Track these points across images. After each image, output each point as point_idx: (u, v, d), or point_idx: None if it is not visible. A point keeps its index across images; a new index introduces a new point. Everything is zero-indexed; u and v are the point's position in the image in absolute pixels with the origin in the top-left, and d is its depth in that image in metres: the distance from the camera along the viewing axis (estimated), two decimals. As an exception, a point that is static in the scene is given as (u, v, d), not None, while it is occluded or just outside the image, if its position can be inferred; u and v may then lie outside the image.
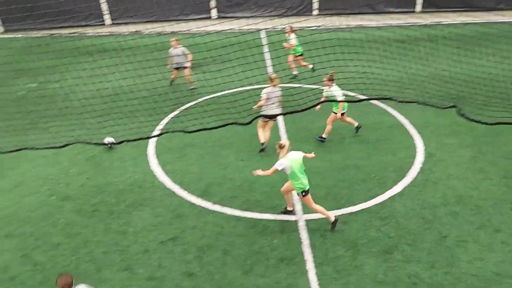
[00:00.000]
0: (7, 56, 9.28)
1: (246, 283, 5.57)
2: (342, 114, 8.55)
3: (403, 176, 7.55)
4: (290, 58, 11.83)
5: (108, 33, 16.23)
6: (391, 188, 7.25)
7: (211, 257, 5.98)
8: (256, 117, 5.78)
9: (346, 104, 8.44)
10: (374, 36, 11.09)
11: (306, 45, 10.26)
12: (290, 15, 13.03)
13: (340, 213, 6.67)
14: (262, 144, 8.35)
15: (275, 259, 5.91)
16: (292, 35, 11.54)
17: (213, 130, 9.14)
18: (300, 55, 11.83)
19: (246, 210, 6.85)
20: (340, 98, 8.20)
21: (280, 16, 16.52)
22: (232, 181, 7.57)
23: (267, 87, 8.23)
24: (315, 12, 18.85)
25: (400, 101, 5.46)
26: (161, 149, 8.63)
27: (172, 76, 11.32)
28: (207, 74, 9.98)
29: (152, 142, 8.84)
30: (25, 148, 5.82)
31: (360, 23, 9.69)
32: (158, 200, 7.15)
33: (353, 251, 5.99)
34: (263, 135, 8.38)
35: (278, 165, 6.08)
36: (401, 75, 9.68)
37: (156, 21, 17.44)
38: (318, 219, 6.58)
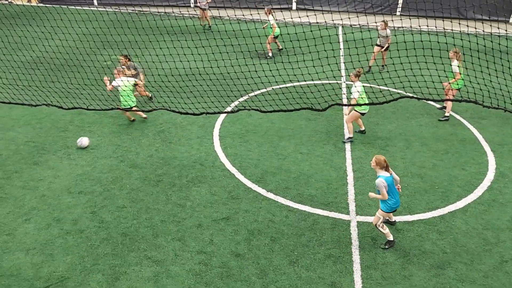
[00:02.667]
0: (98, 28, 10.08)
1: (290, 273, 5.68)
2: (363, 114, 8.44)
3: (469, 192, 7.16)
4: (270, 39, 12.76)
5: (190, 16, 16.93)
6: (454, 202, 6.92)
7: (260, 242, 6.16)
8: (332, 105, 5.77)
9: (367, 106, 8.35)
10: (459, 42, 10.46)
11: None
12: (372, 13, 12.64)
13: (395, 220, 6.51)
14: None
15: (322, 255, 5.95)
16: (271, 17, 12.47)
17: (275, 121, 9.34)
18: (276, 37, 12.72)
19: (299, 202, 6.92)
20: (355, 94, 8.04)
21: (362, 13, 16.06)
22: (288, 172, 7.66)
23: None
24: (398, 12, 18.07)
25: (485, 106, 5.16)
26: (224, 133, 8.95)
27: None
28: (279, 64, 10.08)
29: (217, 125, 9.19)
30: (118, 108, 6.40)
31: (447, 28, 9.27)
32: (216, 179, 7.46)
33: (403, 260, 5.84)
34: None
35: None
36: (481, 86, 9.06)
37: (238, 8, 17.84)
38: (372, 222, 6.48)
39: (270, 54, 13.07)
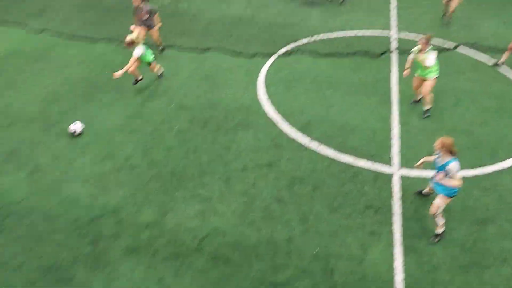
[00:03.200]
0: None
1: (331, 220, 5.86)
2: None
3: (519, 152, 6.88)
4: None
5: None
6: (503, 160, 6.72)
7: (301, 190, 6.33)
8: (385, 52, 5.53)
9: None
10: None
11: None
12: None
13: (440, 176, 6.43)
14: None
15: (362, 205, 6.06)
16: None
17: (324, 68, 9.11)
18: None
19: (342, 152, 6.94)
20: (433, 63, 7.25)
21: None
22: (333, 121, 7.62)
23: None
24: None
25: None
26: (271, 79, 8.88)
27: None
28: (324, 13, 9.66)
29: (263, 72, 9.11)
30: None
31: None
32: (261, 126, 7.56)
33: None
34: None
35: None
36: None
37: None
38: (415, 177, 6.44)
39: None
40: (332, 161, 6.81)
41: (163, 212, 6.00)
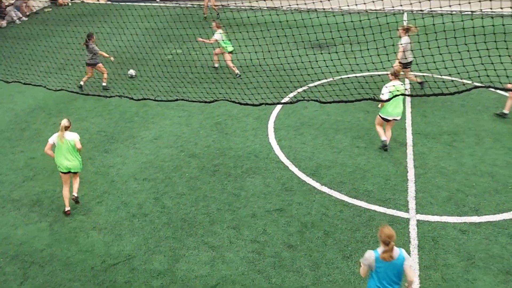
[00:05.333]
0: (160, 23, 10.60)
1: (344, 268, 5.67)
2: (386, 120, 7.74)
3: (546, 194, 6.60)
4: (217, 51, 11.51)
5: (248, 7, 17.13)
6: (528, 204, 6.43)
7: (313, 235, 6.21)
8: (397, 95, 5.59)
9: None
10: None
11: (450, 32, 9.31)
12: None
13: (460, 221, 6.21)
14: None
15: (376, 251, 5.85)
16: (219, 31, 11.00)
17: (331, 113, 9.22)
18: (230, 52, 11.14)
19: (355, 197, 6.84)
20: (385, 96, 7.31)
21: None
22: (344, 166, 7.58)
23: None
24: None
25: None
26: (279, 125, 9.03)
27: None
28: (339, 54, 9.87)
29: (272, 117, 9.30)
30: (182, 99, 6.62)
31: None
32: (270, 171, 7.59)
33: (467, 263, 5.57)
34: None
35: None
36: None
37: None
38: (433, 221, 6.24)
39: (216, 65, 11.95)
40: (345, 205, 6.70)
41: (175, 259, 5.97)
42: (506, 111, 8.70)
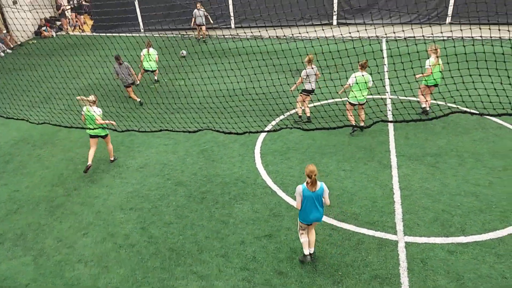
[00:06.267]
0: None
1: (334, 292, 5.63)
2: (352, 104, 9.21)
3: (529, 212, 6.74)
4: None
5: (231, 36, 17.53)
6: (513, 223, 6.54)
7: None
8: (377, 122, 5.78)
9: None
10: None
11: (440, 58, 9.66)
12: (419, 23, 11.70)
13: (448, 242, 6.27)
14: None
15: (367, 275, 5.85)
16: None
17: (317, 137, 9.36)
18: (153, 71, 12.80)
19: (343, 221, 6.87)
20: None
21: (407, 24, 15.66)
22: (331, 190, 7.63)
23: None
24: (448, 20, 17.45)
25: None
26: (266, 150, 9.11)
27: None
28: (320, 82, 10.13)
29: (258, 143, 9.38)
30: (166, 130, 6.74)
31: (503, 36, 8.79)
32: (258, 197, 7.60)
33: (456, 284, 5.60)
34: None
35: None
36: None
37: (277, 26, 18.12)
38: (421, 243, 6.28)
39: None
40: (333, 229, 6.71)
41: (162, 292, 5.83)
42: (424, 105, 9.83)
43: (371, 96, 10.69)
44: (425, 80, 9.70)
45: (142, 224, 7.14)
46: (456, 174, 7.84)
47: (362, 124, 9.35)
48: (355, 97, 9.06)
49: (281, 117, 10.24)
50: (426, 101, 9.83)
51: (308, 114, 9.94)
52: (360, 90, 8.99)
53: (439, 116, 5.27)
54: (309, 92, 9.72)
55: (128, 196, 7.90)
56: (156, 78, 13.02)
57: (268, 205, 7.35)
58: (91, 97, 8.30)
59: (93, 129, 8.31)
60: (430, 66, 9.43)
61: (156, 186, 8.14)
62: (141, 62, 12.59)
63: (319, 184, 5.64)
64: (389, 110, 10.20)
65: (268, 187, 7.84)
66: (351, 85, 9.02)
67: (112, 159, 8.99)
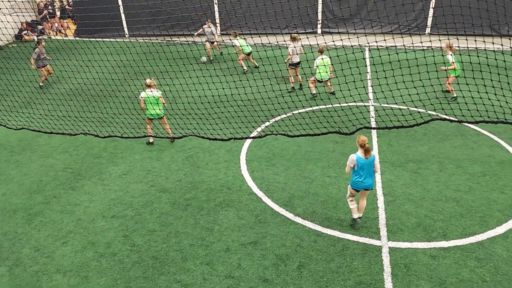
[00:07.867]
0: (129, 60, 10.62)
1: (319, 299, 5.59)
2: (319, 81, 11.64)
3: (510, 217, 6.87)
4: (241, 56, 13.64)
5: (218, 43, 17.50)
6: (493, 228, 6.65)
7: (288, 267, 6.12)
8: (360, 128, 5.90)
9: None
10: (494, 61, 10.29)
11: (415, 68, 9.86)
12: (400, 33, 12.28)
13: (430, 247, 6.32)
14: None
15: (352, 281, 5.83)
16: (236, 41, 13.29)
17: (302, 144, 9.38)
18: (249, 54, 13.61)
19: (328, 227, 6.86)
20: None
21: (389, 33, 15.96)
22: (316, 196, 7.63)
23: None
24: (427, 31, 17.88)
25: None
26: (251, 157, 9.06)
27: None
28: (305, 89, 10.20)
29: (244, 149, 9.34)
30: (150, 135, 6.69)
31: (479, 46, 9.07)
32: (244, 203, 7.53)
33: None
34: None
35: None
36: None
37: (263, 34, 18.23)
38: (405, 248, 6.32)
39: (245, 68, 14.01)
40: (319, 235, 6.69)
41: (144, 302, 5.68)
42: (455, 94, 11.14)
43: (354, 104, 10.81)
44: (455, 71, 11.06)
45: (124, 232, 6.97)
46: (437, 180, 7.96)
47: (299, 83, 12.21)
48: (319, 73, 11.45)
49: (267, 123, 10.23)
50: (452, 90, 11.37)
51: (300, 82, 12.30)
52: (324, 68, 11.37)
53: (420, 123, 5.34)
54: (296, 64, 12.04)
55: (110, 203, 7.72)
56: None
57: (254, 212, 7.29)
58: (148, 80, 8.89)
59: (153, 111, 8.96)
60: (453, 61, 10.87)
61: (139, 193, 7.98)
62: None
63: (371, 153, 6.21)
64: (372, 117, 10.31)
65: (254, 194, 7.78)
66: (318, 66, 11.34)
67: (172, 138, 9.07)
